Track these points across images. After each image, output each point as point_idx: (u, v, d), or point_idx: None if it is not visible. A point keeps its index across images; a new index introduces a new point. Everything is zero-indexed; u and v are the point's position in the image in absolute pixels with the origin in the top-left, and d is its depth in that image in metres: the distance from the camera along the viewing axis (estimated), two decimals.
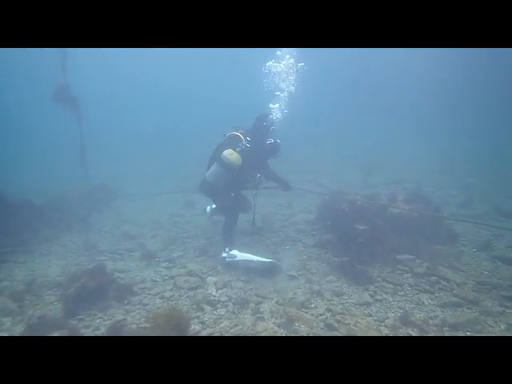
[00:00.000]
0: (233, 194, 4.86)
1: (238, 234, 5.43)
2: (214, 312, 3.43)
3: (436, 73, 25.97)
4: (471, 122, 18.20)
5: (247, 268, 4.26)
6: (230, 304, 3.57)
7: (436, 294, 3.57)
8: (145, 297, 3.78)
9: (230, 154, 4.36)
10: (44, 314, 3.38)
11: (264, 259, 4.23)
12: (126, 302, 3.65)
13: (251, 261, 4.27)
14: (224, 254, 4.50)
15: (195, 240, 5.62)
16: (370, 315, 3.28)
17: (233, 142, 4.50)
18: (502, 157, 10.51)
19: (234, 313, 3.42)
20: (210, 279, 4.12)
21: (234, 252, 4.45)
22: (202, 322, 3.23)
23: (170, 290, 3.94)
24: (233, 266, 4.39)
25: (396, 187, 8.00)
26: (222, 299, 3.66)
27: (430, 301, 3.46)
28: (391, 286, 3.77)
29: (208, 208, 5.93)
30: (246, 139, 4.52)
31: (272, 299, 3.64)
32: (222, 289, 3.90)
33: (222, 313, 3.41)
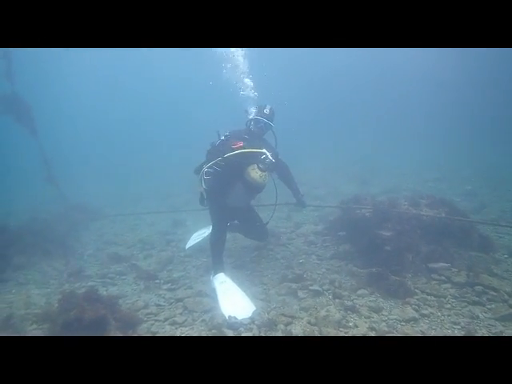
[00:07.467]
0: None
1: (246, 249, 4.93)
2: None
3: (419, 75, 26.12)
4: (451, 129, 18.32)
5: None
6: (255, 327, 3.02)
7: (488, 306, 3.12)
8: (152, 324, 3.15)
9: (259, 176, 3.67)
10: None
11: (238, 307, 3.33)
12: (131, 331, 2.98)
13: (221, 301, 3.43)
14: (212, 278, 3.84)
15: (195, 258, 5.00)
16: (424, 333, 2.81)
17: (255, 157, 3.75)
18: (489, 164, 10.54)
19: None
20: None
21: (218, 278, 3.73)
22: None
23: (181, 314, 3.33)
24: None
25: (396, 196, 7.68)
26: (243, 322, 3.11)
27: (484, 314, 3.01)
28: (433, 299, 3.32)
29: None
30: (270, 153, 3.78)
31: (302, 318, 3.13)
32: None
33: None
